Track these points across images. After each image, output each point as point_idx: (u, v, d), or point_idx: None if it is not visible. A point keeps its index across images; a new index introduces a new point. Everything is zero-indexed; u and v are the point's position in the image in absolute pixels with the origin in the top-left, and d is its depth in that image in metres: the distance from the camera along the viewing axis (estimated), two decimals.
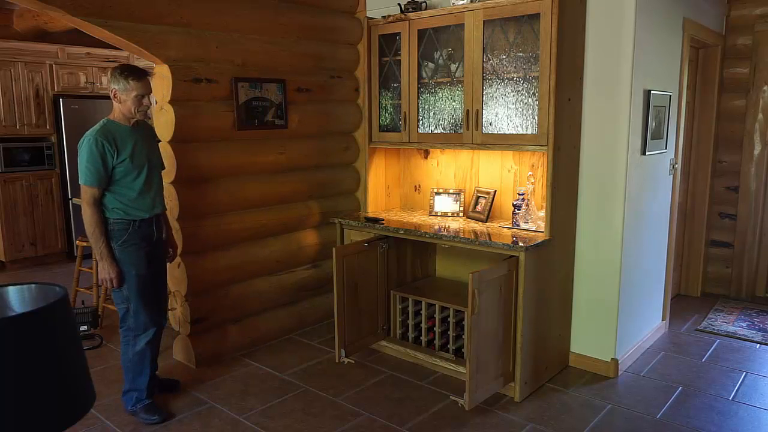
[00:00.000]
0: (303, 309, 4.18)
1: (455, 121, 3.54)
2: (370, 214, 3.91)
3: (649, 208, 3.64)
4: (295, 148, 3.94)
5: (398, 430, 2.88)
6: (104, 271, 2.80)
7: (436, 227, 3.47)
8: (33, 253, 6.03)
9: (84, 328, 4.04)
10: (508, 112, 3.29)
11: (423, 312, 3.58)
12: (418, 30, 3.56)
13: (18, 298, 1.21)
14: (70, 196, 6.12)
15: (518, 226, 3.39)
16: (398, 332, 3.75)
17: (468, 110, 3.37)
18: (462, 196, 3.78)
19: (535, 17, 3.04)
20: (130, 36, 3.01)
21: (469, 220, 3.69)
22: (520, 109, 3.25)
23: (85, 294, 4.57)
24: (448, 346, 3.48)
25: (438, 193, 3.85)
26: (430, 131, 3.64)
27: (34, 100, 5.91)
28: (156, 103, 3.30)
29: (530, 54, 3.18)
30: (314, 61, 3.99)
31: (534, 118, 3.17)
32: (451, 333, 3.46)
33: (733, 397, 3.17)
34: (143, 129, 2.94)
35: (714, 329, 4.12)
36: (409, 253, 3.87)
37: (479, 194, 3.71)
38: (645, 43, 3.26)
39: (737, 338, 3.97)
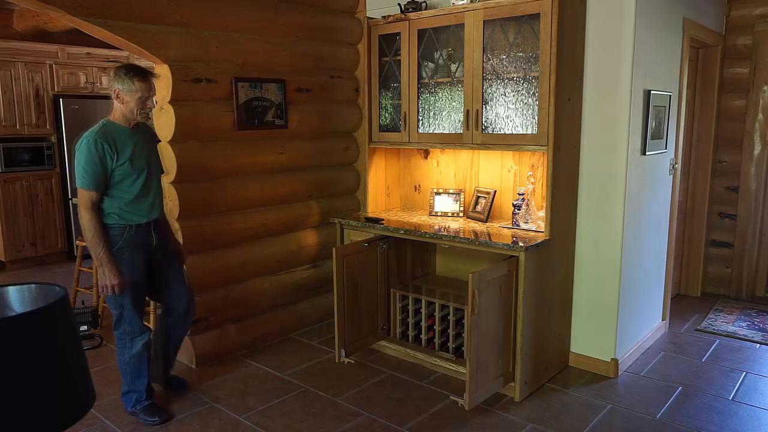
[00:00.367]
0: (303, 309, 4.18)
1: (455, 121, 3.54)
2: (370, 214, 3.91)
3: (649, 208, 3.64)
4: (295, 148, 3.94)
5: (398, 430, 2.88)
6: (104, 278, 2.70)
7: (436, 227, 3.47)
8: (33, 253, 6.03)
9: (84, 328, 4.04)
10: (508, 112, 3.29)
11: (423, 310, 3.58)
12: (418, 30, 3.56)
13: (18, 298, 1.21)
14: (70, 196, 6.12)
15: (518, 226, 3.39)
16: (398, 331, 3.75)
17: (468, 110, 3.37)
18: (462, 196, 3.78)
19: (535, 17, 3.04)
20: (130, 36, 3.01)
21: (469, 220, 3.69)
22: (520, 109, 3.25)
23: (85, 294, 4.57)
24: (448, 344, 3.48)
25: (438, 193, 3.85)
26: (430, 131, 3.64)
27: (34, 100, 5.92)
28: (156, 103, 3.30)
29: (530, 54, 3.18)
30: (314, 61, 3.99)
31: (534, 118, 3.17)
32: (451, 331, 3.46)
33: (733, 397, 3.17)
34: (143, 131, 2.88)
35: (714, 329, 4.12)
36: (409, 253, 3.87)
37: (479, 194, 3.71)
38: (645, 43, 3.26)
39: (737, 338, 3.97)
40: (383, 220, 3.67)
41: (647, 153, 3.45)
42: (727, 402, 3.13)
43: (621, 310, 3.38)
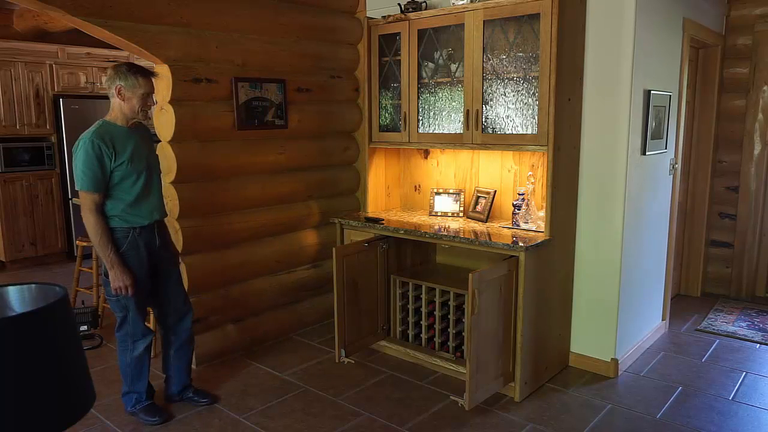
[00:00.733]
0: (303, 309, 4.18)
1: (455, 121, 3.54)
2: (370, 214, 3.91)
3: (649, 208, 3.64)
4: (295, 148, 3.94)
5: (398, 430, 2.88)
6: (117, 279, 2.67)
7: (436, 227, 3.47)
8: (33, 253, 6.03)
9: (84, 328, 4.04)
10: (508, 112, 3.29)
11: (423, 296, 3.56)
12: (418, 30, 3.56)
13: (18, 298, 1.21)
14: (70, 196, 6.12)
15: (518, 226, 3.39)
16: (398, 330, 3.75)
17: (468, 110, 3.37)
18: (462, 196, 3.78)
19: (535, 17, 3.04)
20: (130, 36, 3.01)
21: (469, 220, 3.69)
22: (520, 109, 3.25)
23: (85, 294, 4.57)
24: (448, 343, 3.48)
25: (438, 193, 3.85)
26: (430, 131, 3.64)
27: (34, 100, 5.92)
28: (156, 103, 3.30)
29: (530, 54, 3.18)
30: (314, 61, 3.99)
31: (534, 118, 3.17)
32: (451, 330, 3.46)
33: (733, 397, 3.17)
34: (141, 131, 2.86)
35: (714, 329, 4.12)
36: (409, 254, 3.87)
37: (479, 194, 3.71)
38: (645, 43, 3.26)
39: (737, 338, 3.97)
40: (383, 220, 3.67)
41: (647, 153, 3.45)
42: (727, 402, 3.13)
43: (621, 310, 3.38)
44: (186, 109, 3.28)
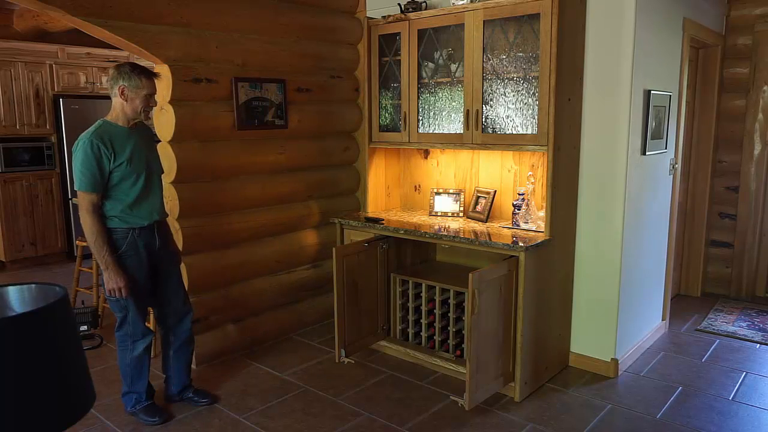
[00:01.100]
0: (303, 309, 4.18)
1: (455, 121, 3.54)
2: (370, 214, 3.91)
3: (649, 208, 3.64)
4: (295, 148, 3.94)
5: (398, 430, 2.88)
6: (111, 281, 2.67)
7: (436, 227, 3.47)
8: (33, 253, 6.04)
9: (84, 328, 4.04)
10: (508, 112, 3.29)
11: (423, 294, 3.56)
12: (418, 30, 3.56)
13: (18, 298, 1.21)
14: (70, 196, 6.12)
15: (518, 226, 3.39)
16: (398, 329, 3.75)
17: (468, 110, 3.37)
18: (462, 196, 3.78)
19: (535, 17, 3.04)
20: (130, 36, 3.01)
21: (469, 220, 3.69)
22: (520, 109, 3.25)
23: (85, 294, 4.57)
24: (448, 341, 3.48)
25: (438, 193, 3.85)
26: (430, 131, 3.64)
27: (34, 100, 5.92)
28: (157, 102, 3.30)
29: (530, 54, 3.18)
30: (314, 61, 3.99)
31: (534, 118, 3.17)
32: (451, 329, 3.46)
33: (733, 397, 3.17)
34: (142, 131, 2.85)
35: (714, 329, 4.12)
36: (409, 254, 3.87)
37: (479, 194, 3.71)
38: (645, 43, 3.26)
39: (737, 338, 3.97)
40: (383, 220, 3.67)
41: (647, 153, 3.45)
42: (727, 402, 3.13)
43: (621, 310, 3.38)
44: (186, 109, 3.28)
